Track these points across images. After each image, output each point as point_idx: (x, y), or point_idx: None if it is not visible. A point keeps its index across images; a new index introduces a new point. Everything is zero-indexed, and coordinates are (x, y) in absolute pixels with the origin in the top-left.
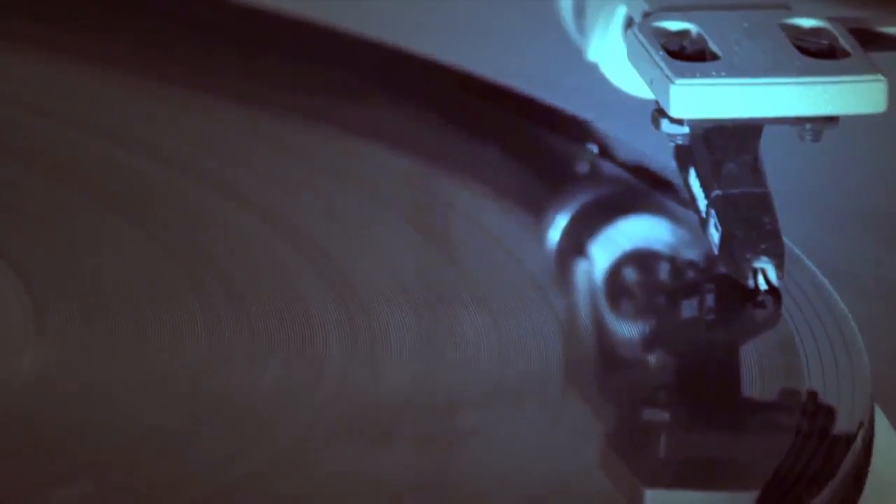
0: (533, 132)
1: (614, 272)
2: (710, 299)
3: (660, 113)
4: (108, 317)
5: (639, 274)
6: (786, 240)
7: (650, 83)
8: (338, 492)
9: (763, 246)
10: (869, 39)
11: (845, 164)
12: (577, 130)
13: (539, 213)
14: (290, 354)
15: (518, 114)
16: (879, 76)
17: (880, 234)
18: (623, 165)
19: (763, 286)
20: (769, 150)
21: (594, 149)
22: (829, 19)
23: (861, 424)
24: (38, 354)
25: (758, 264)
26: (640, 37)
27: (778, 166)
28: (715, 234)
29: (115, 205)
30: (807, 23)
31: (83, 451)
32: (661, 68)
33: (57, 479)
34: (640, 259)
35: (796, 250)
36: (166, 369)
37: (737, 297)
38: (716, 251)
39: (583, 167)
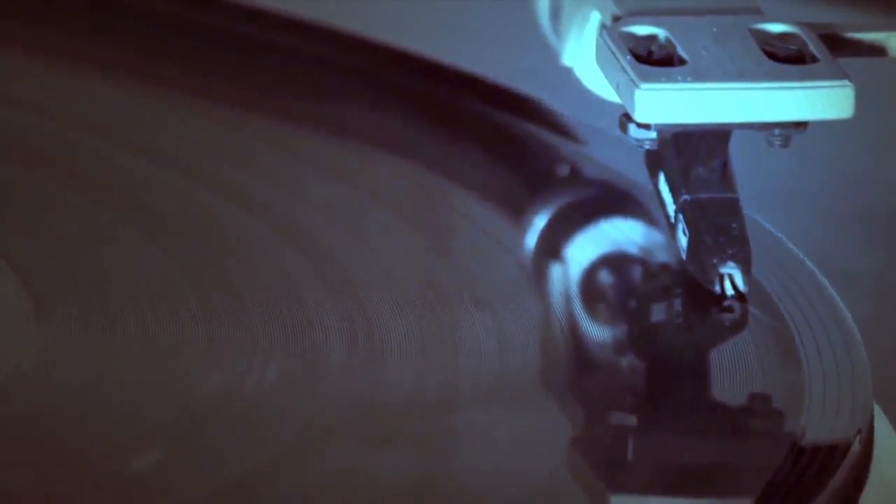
0: (532, 133)
1: (616, 272)
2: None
3: (627, 118)
4: (108, 317)
5: (641, 274)
6: (785, 240)
7: (617, 88)
8: (338, 492)
9: (730, 251)
10: (839, 45)
11: (845, 164)
12: (573, 131)
13: (539, 213)
14: (290, 354)
15: (518, 115)
16: (847, 82)
17: (880, 233)
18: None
19: (730, 291)
20: (768, 150)
21: (589, 151)
22: (799, 25)
23: (861, 425)
24: (38, 354)
25: (724, 270)
26: (608, 41)
27: (777, 166)
28: (683, 239)
29: (116, 205)
30: (776, 28)
31: (83, 451)
32: (627, 73)
33: (56, 479)
34: (643, 258)
35: (796, 250)
36: (166, 369)
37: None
38: (683, 256)
39: (580, 168)
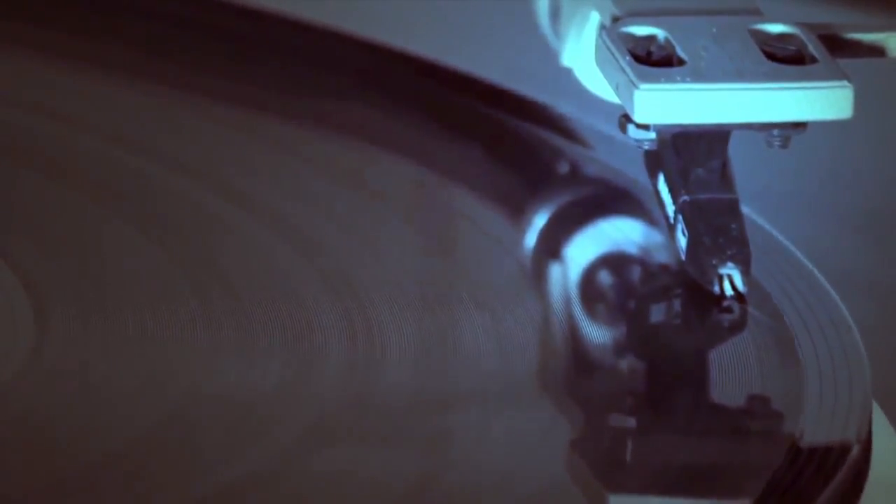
0: (531, 134)
1: (616, 273)
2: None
3: (627, 118)
4: (108, 317)
5: (641, 274)
6: (785, 241)
7: (616, 88)
8: (338, 492)
9: (729, 252)
10: (838, 46)
11: (844, 165)
12: (573, 131)
13: (539, 213)
14: (290, 354)
15: (516, 115)
16: (846, 82)
17: (880, 234)
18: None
19: (729, 292)
20: (768, 150)
21: (590, 152)
22: (799, 25)
23: (860, 426)
24: (38, 354)
25: (724, 270)
26: (608, 41)
27: (777, 166)
28: (682, 240)
29: (116, 205)
30: (776, 28)
31: (83, 451)
32: (626, 73)
33: (56, 479)
34: (642, 259)
35: (796, 251)
36: (166, 370)
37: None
38: (683, 257)
39: (580, 168)
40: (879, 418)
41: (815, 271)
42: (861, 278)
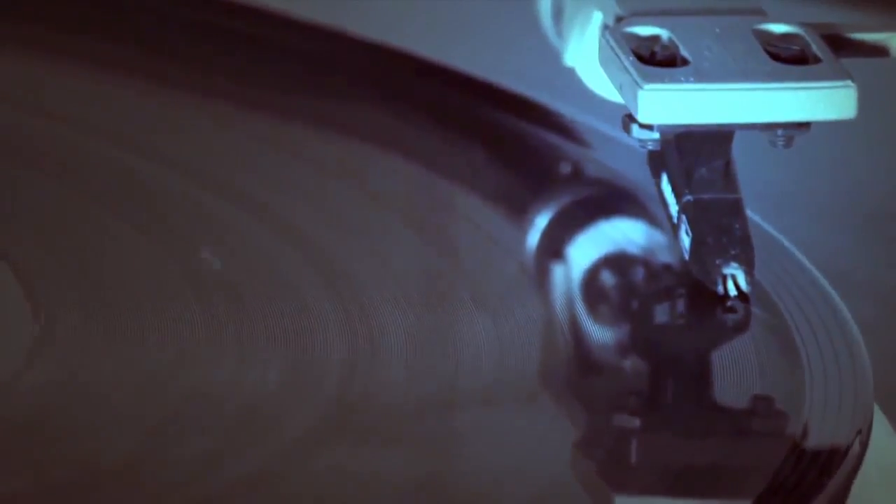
0: (531, 134)
1: (618, 273)
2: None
3: (630, 118)
4: (109, 317)
5: (644, 274)
6: (785, 241)
7: (620, 88)
8: (338, 492)
9: (733, 252)
10: (842, 46)
11: (845, 164)
12: (574, 131)
13: (538, 213)
14: (290, 354)
15: (516, 115)
16: (849, 82)
17: (880, 234)
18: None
19: (733, 292)
20: (768, 151)
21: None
22: (802, 25)
23: (861, 426)
24: (38, 355)
25: (727, 270)
26: (611, 42)
27: (778, 166)
28: (685, 240)
29: (116, 205)
30: (779, 29)
31: (83, 451)
32: (630, 73)
33: (56, 479)
34: (645, 259)
35: (796, 251)
36: (166, 369)
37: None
38: (686, 256)
39: (581, 168)
40: (879, 418)
41: (816, 272)
42: (861, 278)
